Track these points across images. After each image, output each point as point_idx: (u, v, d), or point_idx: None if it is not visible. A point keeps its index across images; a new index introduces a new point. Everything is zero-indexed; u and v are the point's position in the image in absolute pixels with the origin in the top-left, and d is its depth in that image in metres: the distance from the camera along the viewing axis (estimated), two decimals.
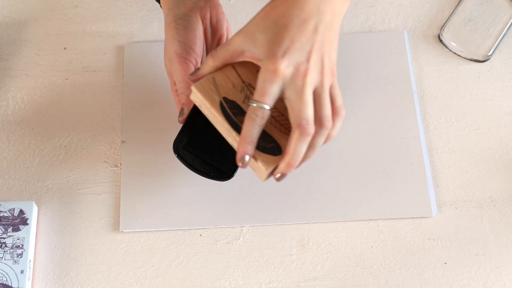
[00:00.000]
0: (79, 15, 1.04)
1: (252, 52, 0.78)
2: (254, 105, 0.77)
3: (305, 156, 0.80)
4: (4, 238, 0.88)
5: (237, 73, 0.82)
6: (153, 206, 0.93)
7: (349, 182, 0.94)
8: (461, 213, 0.93)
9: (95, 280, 0.89)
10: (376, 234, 0.91)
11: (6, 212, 0.89)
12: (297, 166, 0.80)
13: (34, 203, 0.91)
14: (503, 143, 0.96)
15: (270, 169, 0.80)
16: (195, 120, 0.88)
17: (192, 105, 0.86)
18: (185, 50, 0.87)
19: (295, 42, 0.75)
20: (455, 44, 1.01)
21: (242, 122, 0.79)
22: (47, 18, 1.04)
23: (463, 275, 0.89)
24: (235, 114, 0.81)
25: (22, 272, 0.87)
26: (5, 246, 0.88)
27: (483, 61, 1.01)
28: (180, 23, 0.88)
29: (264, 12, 0.78)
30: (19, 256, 0.87)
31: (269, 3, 0.78)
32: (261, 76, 0.76)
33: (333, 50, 0.78)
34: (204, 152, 0.88)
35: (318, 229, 0.92)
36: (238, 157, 0.79)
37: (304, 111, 0.76)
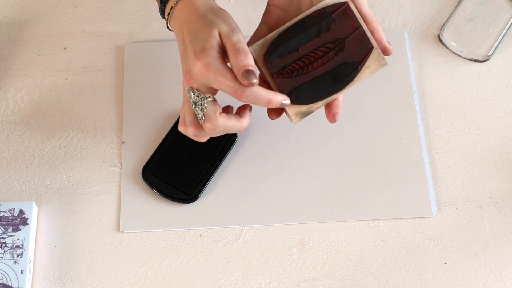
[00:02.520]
0: (79, 15, 1.04)
1: None
2: None
3: None
4: (4, 238, 0.88)
5: None
6: (153, 206, 0.93)
7: (349, 182, 0.94)
8: (461, 213, 0.93)
9: (95, 280, 0.89)
10: (376, 234, 0.91)
11: (6, 212, 0.89)
12: None
13: (34, 203, 0.91)
14: (503, 143, 0.96)
15: None
16: (163, 144, 0.94)
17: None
18: None
19: None
20: (455, 44, 1.01)
21: None
22: (47, 18, 1.04)
23: (463, 275, 0.89)
24: None
25: (22, 272, 0.87)
26: (5, 246, 0.88)
27: (483, 61, 1.01)
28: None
29: None
30: (19, 256, 0.87)
31: None
32: None
33: None
34: (169, 175, 0.93)
35: (318, 229, 0.92)
36: None
37: None
